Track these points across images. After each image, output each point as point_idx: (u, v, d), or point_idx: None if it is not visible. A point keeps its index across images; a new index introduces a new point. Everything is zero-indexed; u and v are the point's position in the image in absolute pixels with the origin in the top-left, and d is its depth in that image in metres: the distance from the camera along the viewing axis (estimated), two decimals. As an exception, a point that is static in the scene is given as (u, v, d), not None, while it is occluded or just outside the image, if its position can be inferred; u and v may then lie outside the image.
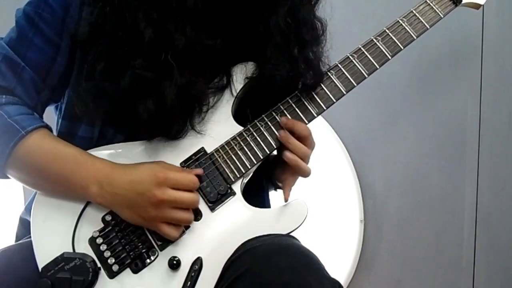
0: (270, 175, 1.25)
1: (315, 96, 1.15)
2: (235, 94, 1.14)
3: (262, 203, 1.28)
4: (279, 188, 1.27)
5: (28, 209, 1.14)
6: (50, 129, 1.11)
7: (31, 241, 1.06)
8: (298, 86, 1.16)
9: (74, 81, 1.13)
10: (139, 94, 1.04)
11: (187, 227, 1.07)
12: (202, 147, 1.11)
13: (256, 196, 1.23)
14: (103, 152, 1.10)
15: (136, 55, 1.04)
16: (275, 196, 1.31)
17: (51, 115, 1.23)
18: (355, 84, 1.16)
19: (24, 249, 1.06)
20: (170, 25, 1.05)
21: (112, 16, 1.05)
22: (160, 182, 1.02)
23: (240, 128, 1.13)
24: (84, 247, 1.05)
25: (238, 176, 1.10)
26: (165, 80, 1.04)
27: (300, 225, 1.07)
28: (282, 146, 1.12)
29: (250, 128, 1.12)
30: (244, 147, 1.11)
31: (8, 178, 1.10)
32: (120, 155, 1.11)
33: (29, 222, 1.10)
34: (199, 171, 1.08)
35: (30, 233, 1.08)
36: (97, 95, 1.06)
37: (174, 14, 1.05)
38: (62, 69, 1.13)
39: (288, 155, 1.11)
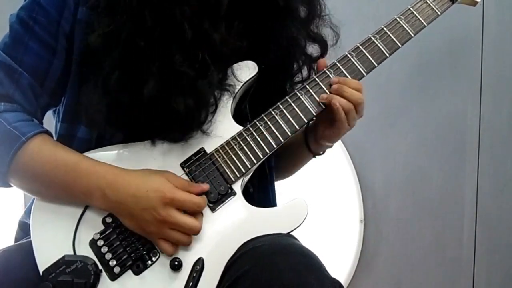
0: (308, 143, 1.28)
1: (314, 95, 1.15)
2: (234, 93, 1.14)
3: (268, 201, 1.29)
4: (318, 154, 1.31)
5: (28, 212, 1.14)
6: (50, 135, 1.11)
7: (30, 241, 1.06)
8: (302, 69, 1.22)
9: (72, 87, 1.13)
10: (178, 91, 1.04)
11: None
12: (202, 148, 1.11)
13: (262, 193, 1.25)
14: (103, 154, 1.10)
15: (173, 54, 1.04)
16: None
17: (50, 119, 1.22)
18: (353, 83, 1.17)
19: (24, 249, 1.06)
20: (205, 24, 1.05)
21: (126, 25, 1.04)
22: (167, 202, 1.01)
23: (239, 128, 1.13)
24: (85, 250, 1.05)
25: (239, 176, 1.10)
26: (202, 79, 1.06)
27: (301, 224, 1.07)
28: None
29: (250, 128, 1.12)
30: (244, 147, 1.11)
31: (11, 186, 1.10)
32: (120, 156, 1.11)
33: (28, 225, 1.09)
34: (205, 186, 1.07)
35: (28, 236, 1.08)
36: (112, 106, 1.06)
37: (209, 13, 1.06)
38: (59, 72, 1.12)
39: (342, 101, 1.12)
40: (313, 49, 1.24)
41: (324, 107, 1.14)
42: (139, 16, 1.04)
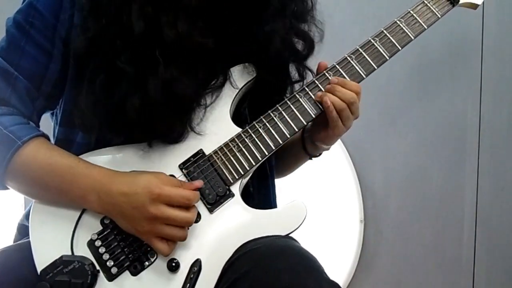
0: (304, 145, 1.27)
1: (313, 97, 1.15)
2: (233, 95, 1.14)
3: (269, 201, 1.28)
4: (315, 156, 1.31)
5: (27, 215, 1.14)
6: (47, 137, 1.11)
7: (29, 241, 1.06)
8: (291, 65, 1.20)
9: (69, 91, 1.13)
10: (128, 91, 1.04)
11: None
12: (201, 149, 1.11)
13: (263, 193, 1.25)
14: (100, 156, 1.10)
15: (124, 49, 1.03)
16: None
17: (48, 121, 1.23)
18: (353, 85, 1.17)
19: (22, 249, 1.06)
20: (162, 19, 1.04)
21: (109, 27, 1.05)
22: (154, 198, 1.01)
23: (238, 130, 1.12)
24: (83, 250, 1.05)
25: (237, 177, 1.10)
26: (150, 76, 1.04)
27: (299, 226, 1.07)
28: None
29: (249, 130, 1.12)
30: (243, 149, 1.11)
31: (8, 189, 1.10)
32: (118, 159, 1.11)
33: (26, 228, 1.10)
34: (198, 183, 1.07)
35: (26, 237, 1.09)
36: (100, 109, 1.06)
37: (168, 9, 1.05)
38: (56, 76, 1.13)
39: (334, 100, 1.12)
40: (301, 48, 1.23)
41: (322, 109, 1.14)
42: (118, 18, 1.04)
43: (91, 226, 1.06)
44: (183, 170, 1.09)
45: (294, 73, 1.22)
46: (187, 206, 1.03)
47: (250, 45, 1.14)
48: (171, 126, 1.08)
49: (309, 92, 1.15)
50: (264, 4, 1.12)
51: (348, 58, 1.17)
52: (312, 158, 1.33)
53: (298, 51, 1.21)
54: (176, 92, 1.06)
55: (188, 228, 1.05)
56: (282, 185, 1.39)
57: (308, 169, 1.42)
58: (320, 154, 1.32)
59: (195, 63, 1.08)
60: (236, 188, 1.10)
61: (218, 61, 1.12)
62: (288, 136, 1.12)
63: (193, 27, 1.06)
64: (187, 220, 1.03)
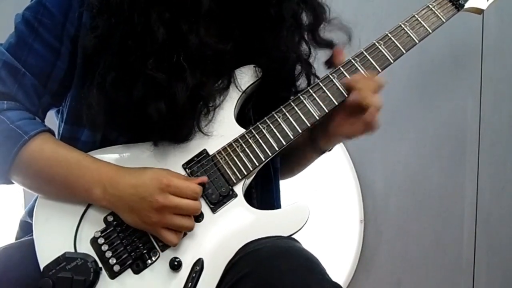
0: (316, 140, 1.25)
1: (317, 99, 1.15)
2: (237, 97, 1.14)
3: (272, 202, 1.28)
4: (328, 151, 1.29)
5: (28, 211, 1.15)
6: (53, 133, 1.12)
7: (32, 239, 1.06)
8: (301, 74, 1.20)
9: (76, 89, 1.13)
10: (151, 95, 1.04)
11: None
12: (205, 149, 1.11)
13: (266, 194, 1.25)
14: (107, 155, 1.10)
15: (148, 57, 1.04)
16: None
17: (53, 119, 1.23)
18: (356, 87, 1.17)
19: (25, 247, 1.07)
20: (183, 26, 1.05)
21: (119, 26, 1.05)
22: (163, 188, 1.02)
23: (242, 131, 1.13)
24: (85, 247, 1.05)
25: (240, 177, 1.10)
26: (176, 82, 1.04)
27: (302, 227, 1.07)
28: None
29: (252, 131, 1.13)
30: (246, 149, 1.11)
31: (12, 183, 1.10)
32: (123, 157, 1.11)
33: (28, 225, 1.11)
34: (204, 179, 1.07)
35: (28, 235, 1.09)
36: (109, 106, 1.06)
37: (188, 16, 1.05)
38: (63, 74, 1.13)
39: (372, 111, 1.12)
40: (323, 53, 1.23)
41: (326, 110, 1.14)
42: (129, 18, 1.04)
43: (95, 224, 1.07)
44: (187, 169, 1.10)
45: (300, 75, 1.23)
46: (193, 198, 1.04)
47: (263, 57, 1.15)
48: (183, 127, 1.08)
49: (313, 94, 1.15)
50: (277, 16, 1.13)
51: (352, 60, 1.17)
52: (325, 152, 1.30)
53: (310, 64, 1.21)
54: (203, 95, 1.07)
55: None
56: (282, 185, 1.38)
57: (308, 169, 1.42)
58: (331, 149, 1.30)
59: (213, 67, 1.09)
60: (239, 188, 1.10)
61: (226, 64, 1.13)
62: (292, 137, 1.12)
63: (214, 33, 1.08)
64: (195, 207, 1.04)
